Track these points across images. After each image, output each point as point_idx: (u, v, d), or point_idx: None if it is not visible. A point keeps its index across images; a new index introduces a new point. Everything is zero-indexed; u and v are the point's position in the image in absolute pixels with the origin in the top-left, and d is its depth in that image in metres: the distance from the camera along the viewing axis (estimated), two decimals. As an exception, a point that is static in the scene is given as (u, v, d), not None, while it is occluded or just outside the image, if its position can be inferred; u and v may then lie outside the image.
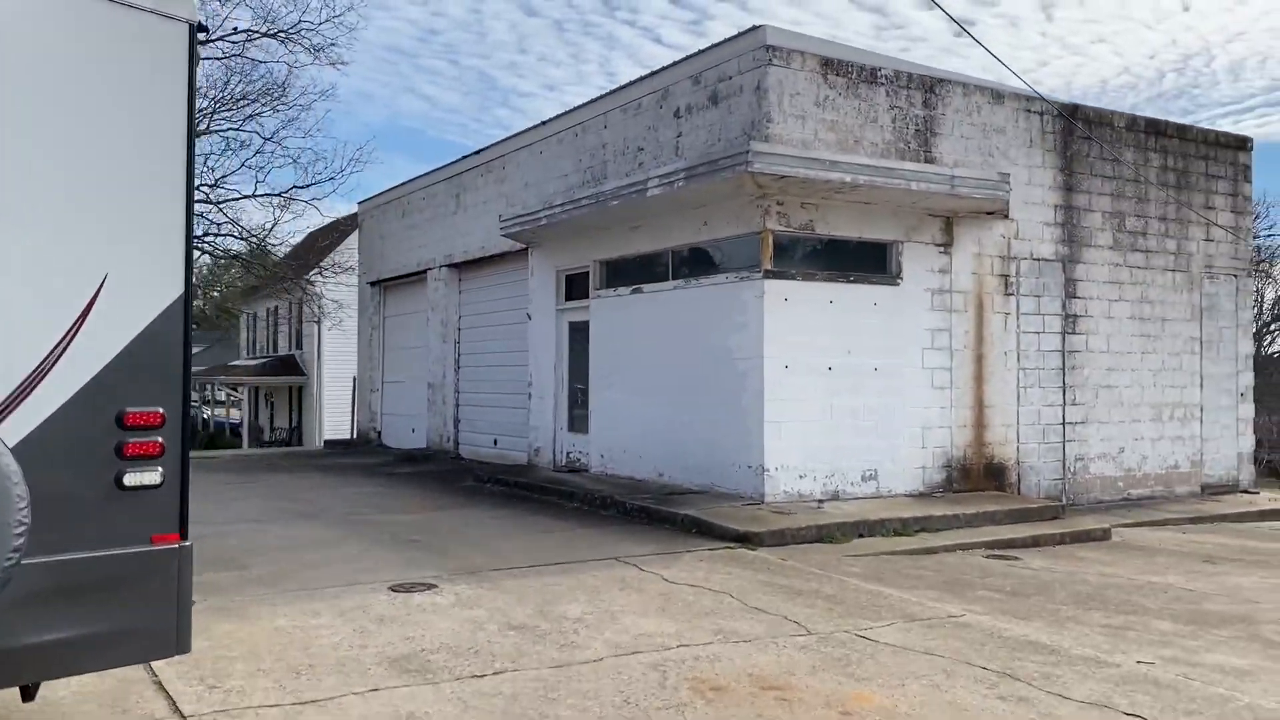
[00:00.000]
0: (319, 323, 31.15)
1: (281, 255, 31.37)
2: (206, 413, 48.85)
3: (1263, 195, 56.29)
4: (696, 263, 13.41)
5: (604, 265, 15.15)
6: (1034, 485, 14.03)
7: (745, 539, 10.42)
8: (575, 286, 15.89)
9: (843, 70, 12.47)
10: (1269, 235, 61.19)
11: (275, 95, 25.58)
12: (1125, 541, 12.05)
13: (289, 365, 35.29)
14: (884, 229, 12.85)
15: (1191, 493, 15.57)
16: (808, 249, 12.60)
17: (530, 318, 16.87)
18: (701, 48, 13.06)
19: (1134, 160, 15.00)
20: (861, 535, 11.08)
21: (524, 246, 16.94)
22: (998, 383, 13.72)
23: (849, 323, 12.57)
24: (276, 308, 37.26)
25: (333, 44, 25.09)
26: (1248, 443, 16.31)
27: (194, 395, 43.54)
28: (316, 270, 28.34)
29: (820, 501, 11.94)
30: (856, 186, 11.64)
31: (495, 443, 18.28)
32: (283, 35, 24.95)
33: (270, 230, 25.67)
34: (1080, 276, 14.53)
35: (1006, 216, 13.72)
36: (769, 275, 11.99)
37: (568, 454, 16.02)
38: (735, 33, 12.49)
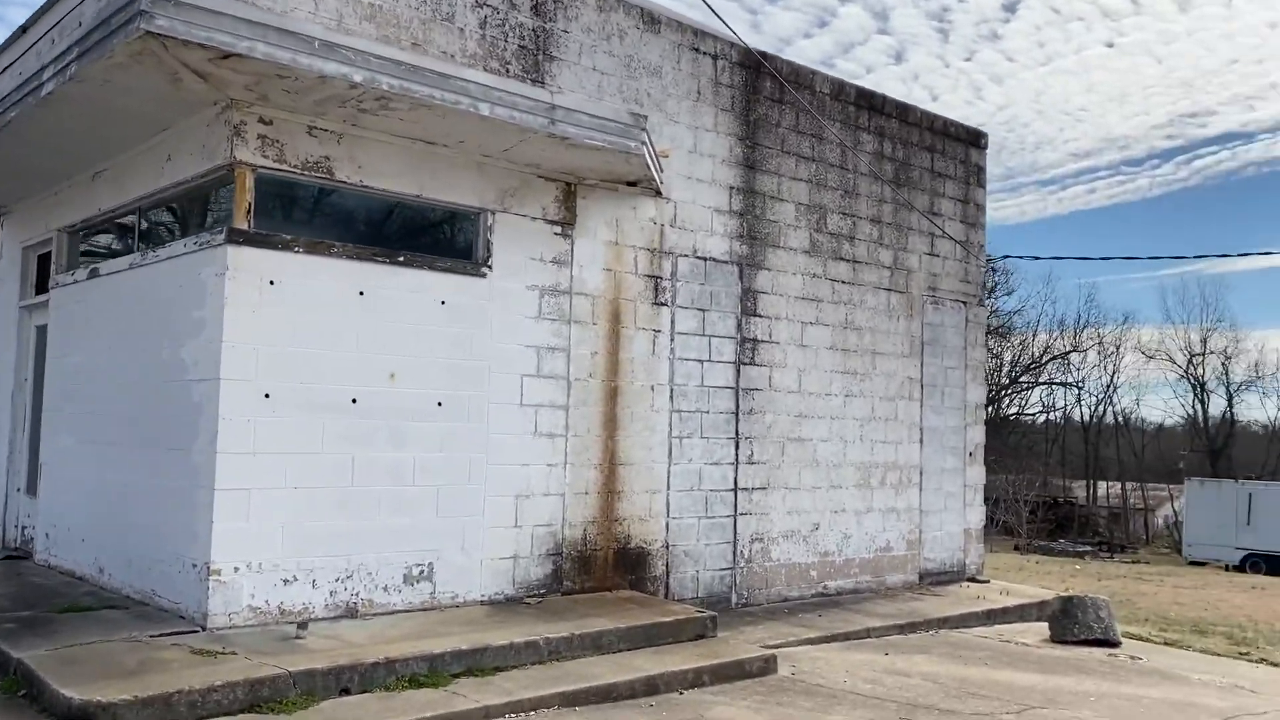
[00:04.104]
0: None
1: None
2: None
3: (1003, 260, 57.66)
4: (159, 224, 8.42)
5: (68, 236, 9.85)
6: (690, 579, 9.77)
7: (83, 718, 5.42)
8: (47, 272, 10.46)
9: (394, -68, 7.92)
10: (1004, 300, 62.94)
11: None
12: (795, 677, 7.87)
13: None
14: (463, 188, 8.32)
15: (907, 583, 11.84)
16: (323, 207, 7.88)
17: (-7, 320, 11.23)
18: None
19: (841, 140, 11.31)
20: (347, 690, 6.32)
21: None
22: (640, 430, 9.42)
23: (394, 330, 7.89)
24: None
25: None
26: (977, 516, 12.87)
27: None
28: None
29: (302, 625, 7.06)
30: (385, 98, 7.03)
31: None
32: None
33: None
34: (764, 287, 10.56)
35: (659, 194, 9.54)
36: (239, 240, 7.14)
37: (22, 528, 10.45)
38: None
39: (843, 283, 11.31)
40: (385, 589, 7.79)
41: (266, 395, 7.22)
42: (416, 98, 7.05)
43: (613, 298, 9.27)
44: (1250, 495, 35.31)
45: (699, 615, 8.38)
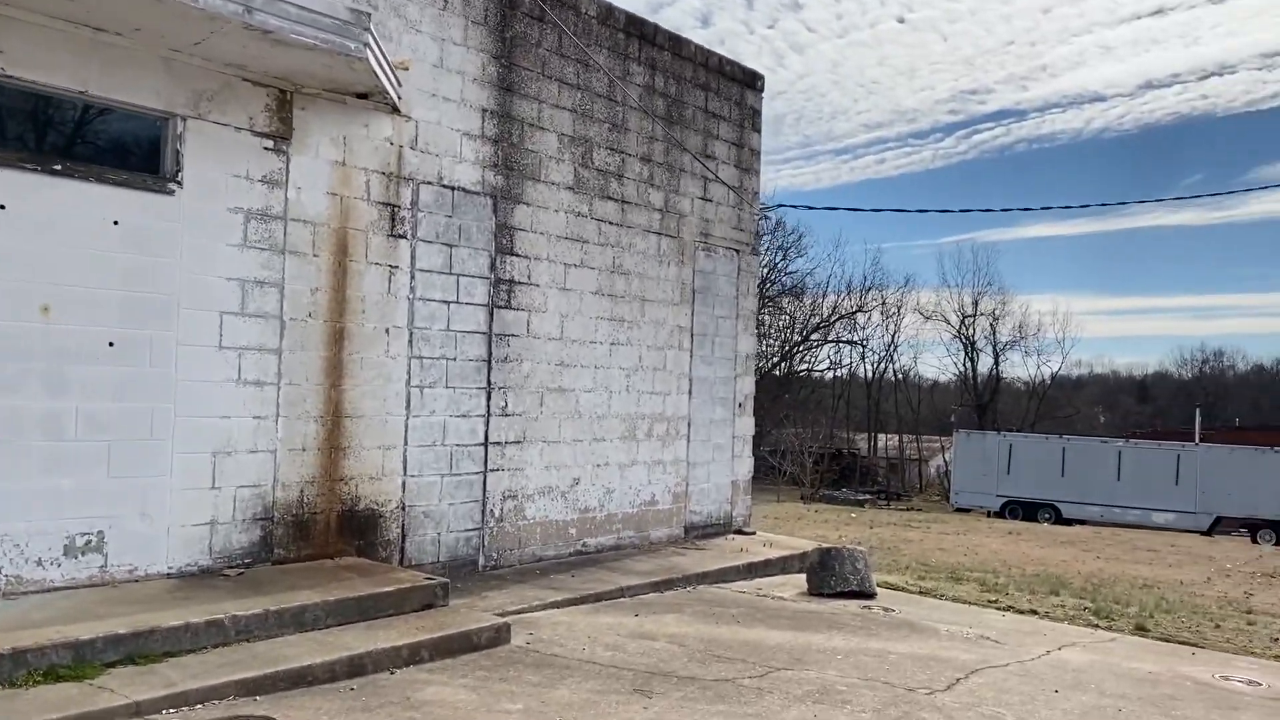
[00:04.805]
0: None
1: None
2: None
3: (798, 223, 59.34)
4: None
5: None
6: (431, 542, 8.89)
7: None
8: None
9: None
10: (797, 261, 64.80)
11: None
12: (530, 646, 7.16)
13: None
14: (144, 88, 6.98)
15: (672, 537, 11.40)
16: (-49, 97, 6.41)
17: None
18: None
19: (609, 69, 10.52)
20: (-48, 693, 5.09)
21: None
22: (373, 379, 8.40)
23: (49, 253, 6.54)
24: None
25: None
26: (745, 468, 12.58)
27: None
28: None
29: (-92, 612, 5.75)
30: (18, -37, 5.65)
31: None
32: None
33: None
34: (523, 224, 9.69)
35: (396, 110, 8.48)
36: None
37: None
38: None
39: (610, 223, 10.59)
40: (40, 563, 6.51)
41: None
42: (60, -37, 5.71)
43: (339, 226, 8.16)
44: (1010, 446, 37.69)
45: (427, 583, 7.52)
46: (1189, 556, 21.99)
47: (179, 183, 7.16)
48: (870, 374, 67.37)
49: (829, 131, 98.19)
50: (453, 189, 9.03)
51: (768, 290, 61.55)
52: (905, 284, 79.57)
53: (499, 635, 7.12)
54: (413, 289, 8.69)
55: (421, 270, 8.75)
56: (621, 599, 8.92)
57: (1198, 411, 43.17)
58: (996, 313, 66.08)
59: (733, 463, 12.31)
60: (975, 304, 66.31)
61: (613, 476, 10.64)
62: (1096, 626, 10.06)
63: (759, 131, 12.65)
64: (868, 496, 46.46)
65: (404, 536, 8.64)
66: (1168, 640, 9.61)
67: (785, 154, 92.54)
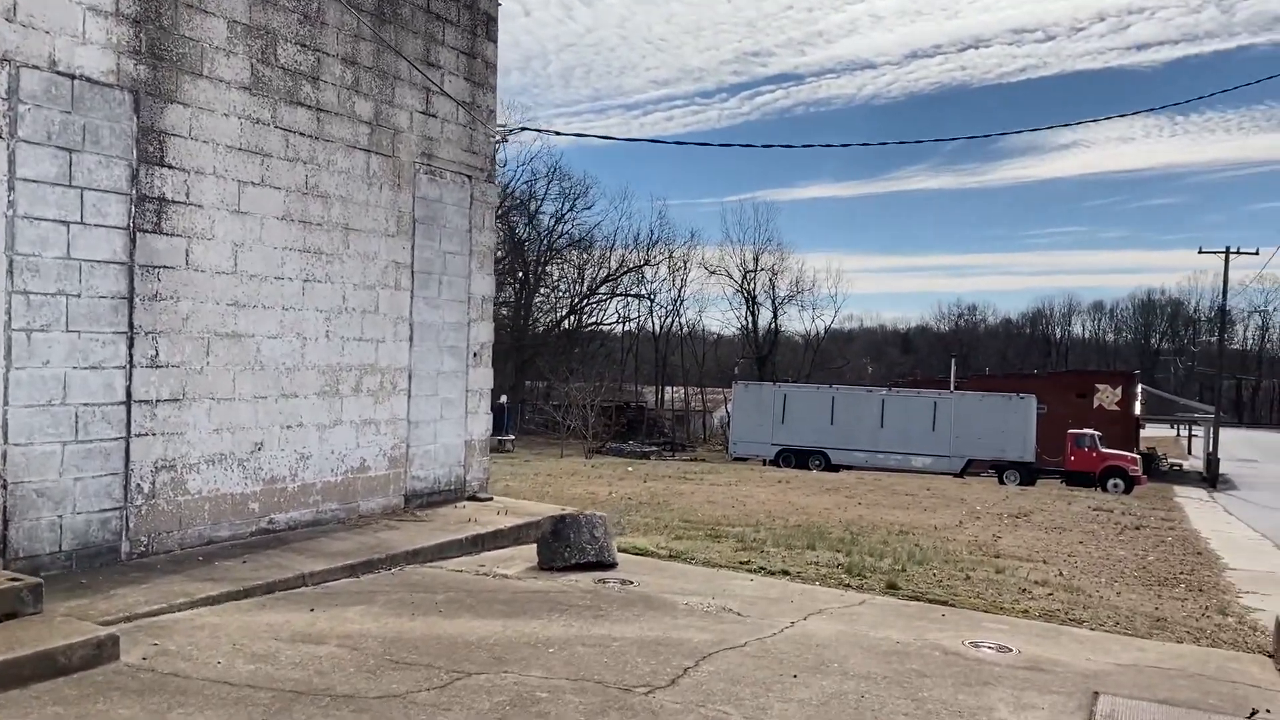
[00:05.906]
0: None
1: None
2: None
3: (585, 174, 57.97)
4: None
5: None
6: (49, 527, 6.99)
7: None
8: None
9: None
10: (586, 214, 63.92)
11: None
12: (147, 663, 5.52)
13: None
14: None
15: (389, 507, 9.88)
16: None
17: None
18: None
19: (298, -53, 8.68)
20: None
21: None
22: (-51, 319, 6.39)
23: None
24: None
25: None
26: (482, 426, 11.17)
27: None
28: None
29: None
30: None
31: None
32: None
33: None
34: (178, 129, 7.78)
35: (-23, -36, 6.41)
36: None
37: None
38: None
39: (302, 135, 8.82)
40: None
41: None
42: None
43: (-112, 115, 6.06)
44: (785, 396, 38.19)
45: (9, 586, 5.70)
46: (943, 500, 22.51)
47: None
48: (658, 328, 67.53)
49: (619, 87, 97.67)
50: (74, 78, 7.03)
51: (555, 242, 60.27)
52: (691, 239, 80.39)
53: (101, 651, 5.43)
54: (12, 204, 6.69)
55: (26, 180, 6.75)
56: (302, 588, 7.36)
57: (953, 362, 45.44)
58: (776, 269, 67.65)
59: (466, 420, 10.87)
60: (756, 260, 67.54)
61: (309, 439, 8.98)
62: (848, 586, 9.37)
63: (495, 41, 11.11)
64: (654, 449, 46.35)
65: (7, 523, 6.71)
66: (918, 599, 9.02)
67: (576, 108, 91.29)
